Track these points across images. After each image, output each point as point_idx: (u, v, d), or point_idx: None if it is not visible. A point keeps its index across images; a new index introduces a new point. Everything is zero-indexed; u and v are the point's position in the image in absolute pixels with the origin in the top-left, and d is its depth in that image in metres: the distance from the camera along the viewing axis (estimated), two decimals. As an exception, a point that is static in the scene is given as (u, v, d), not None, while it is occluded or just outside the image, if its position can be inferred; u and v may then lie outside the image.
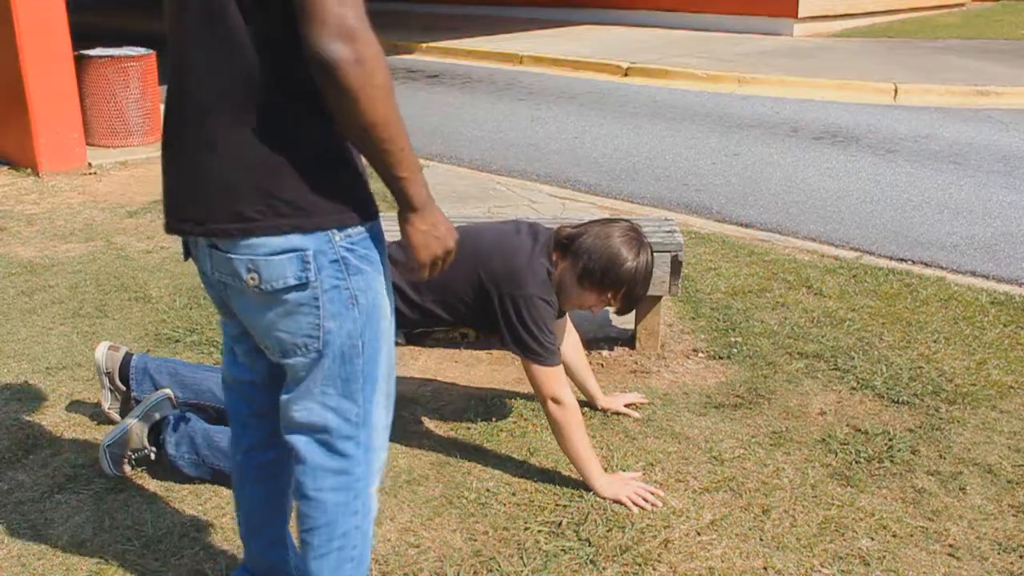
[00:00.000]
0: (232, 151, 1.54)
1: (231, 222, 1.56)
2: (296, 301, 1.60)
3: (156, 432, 2.65)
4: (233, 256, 1.58)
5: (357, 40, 1.40)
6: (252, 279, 1.58)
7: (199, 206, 1.58)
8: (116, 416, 2.89)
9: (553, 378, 2.54)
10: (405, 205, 1.57)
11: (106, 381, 2.89)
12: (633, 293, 2.60)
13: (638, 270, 2.57)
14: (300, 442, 1.73)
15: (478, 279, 2.56)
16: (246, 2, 1.49)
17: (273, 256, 1.56)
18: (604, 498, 2.53)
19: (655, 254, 3.33)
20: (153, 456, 2.64)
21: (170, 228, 1.66)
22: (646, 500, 2.51)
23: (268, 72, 1.51)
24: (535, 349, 2.52)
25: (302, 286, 1.58)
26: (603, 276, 2.56)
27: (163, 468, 2.64)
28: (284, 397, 1.73)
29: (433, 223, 1.60)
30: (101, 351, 2.90)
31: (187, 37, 1.56)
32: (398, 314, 2.59)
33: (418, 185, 1.55)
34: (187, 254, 1.74)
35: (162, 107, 7.40)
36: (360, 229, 1.61)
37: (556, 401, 2.53)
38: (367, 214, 1.62)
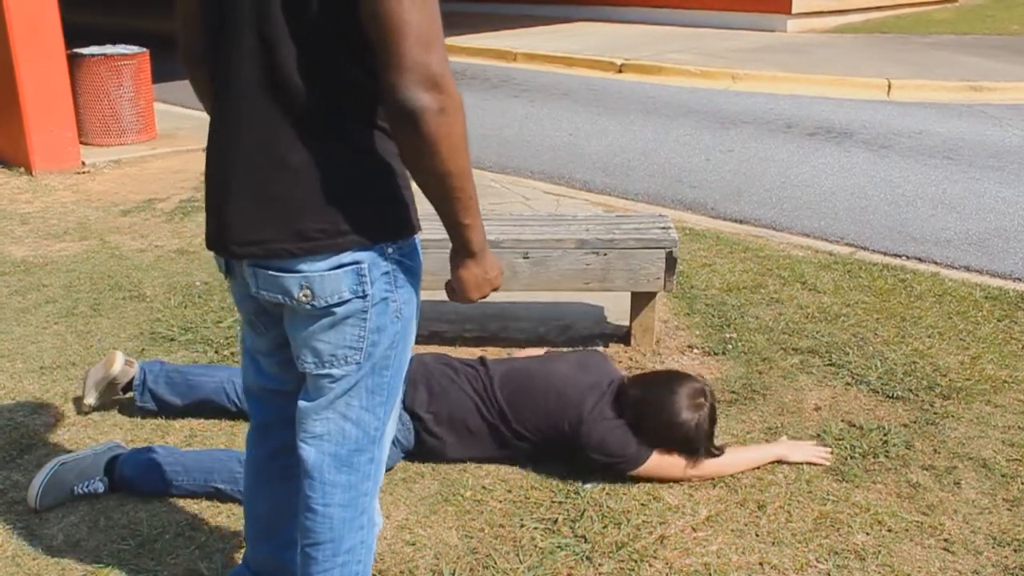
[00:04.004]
0: (302, 169, 1.51)
1: (293, 242, 1.53)
2: (345, 313, 1.58)
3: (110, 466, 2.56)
4: (286, 275, 1.55)
5: (442, 89, 1.39)
6: (305, 295, 1.56)
7: (260, 226, 1.55)
8: (93, 406, 2.90)
9: (657, 469, 2.59)
10: (464, 250, 1.58)
11: (108, 389, 2.89)
12: (690, 447, 2.60)
13: (695, 432, 2.57)
14: (311, 455, 1.71)
15: (546, 430, 2.62)
16: (310, 26, 1.46)
17: (329, 272, 1.54)
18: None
19: (650, 250, 3.35)
20: (103, 489, 2.54)
21: (226, 251, 1.61)
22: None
23: (333, 94, 1.49)
24: (620, 462, 2.58)
25: (355, 299, 1.57)
26: (662, 436, 2.59)
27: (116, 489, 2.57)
28: (304, 405, 1.70)
29: (487, 267, 1.62)
30: (119, 365, 2.88)
31: (241, 54, 1.52)
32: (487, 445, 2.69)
33: (479, 231, 1.56)
34: (228, 271, 1.69)
35: (156, 106, 7.39)
36: (410, 241, 1.61)
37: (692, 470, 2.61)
38: (415, 227, 1.62)
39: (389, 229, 1.57)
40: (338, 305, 1.57)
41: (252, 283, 1.62)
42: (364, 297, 1.57)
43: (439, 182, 1.46)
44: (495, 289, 1.66)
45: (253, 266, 1.59)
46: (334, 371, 1.63)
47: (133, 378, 2.91)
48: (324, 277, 1.54)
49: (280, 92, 1.50)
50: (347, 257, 1.54)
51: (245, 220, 1.56)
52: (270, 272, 1.57)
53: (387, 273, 1.58)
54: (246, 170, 1.55)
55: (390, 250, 1.58)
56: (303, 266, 1.54)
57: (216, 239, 1.62)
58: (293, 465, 1.86)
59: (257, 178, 1.54)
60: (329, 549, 1.75)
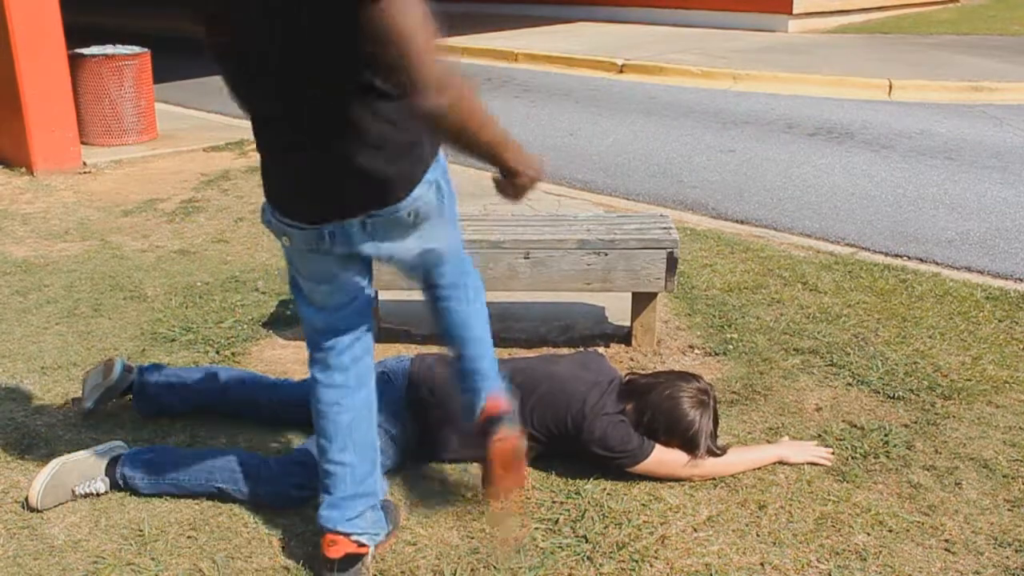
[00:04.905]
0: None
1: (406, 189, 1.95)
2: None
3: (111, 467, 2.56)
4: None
5: (451, 86, 1.64)
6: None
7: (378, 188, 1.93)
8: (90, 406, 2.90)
9: (658, 466, 2.58)
10: (513, 174, 1.91)
11: (106, 394, 2.89)
12: (691, 445, 2.61)
13: (699, 428, 2.58)
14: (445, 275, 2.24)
15: (550, 426, 2.62)
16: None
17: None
18: None
19: (651, 251, 3.35)
20: (104, 489, 2.54)
21: (353, 213, 1.95)
22: None
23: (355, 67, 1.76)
24: (622, 457, 2.57)
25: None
26: (665, 432, 2.59)
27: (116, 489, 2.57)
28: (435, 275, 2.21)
29: (532, 176, 1.95)
30: (117, 372, 2.88)
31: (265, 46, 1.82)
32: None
33: (522, 156, 1.89)
34: (328, 241, 2.01)
35: (157, 106, 7.39)
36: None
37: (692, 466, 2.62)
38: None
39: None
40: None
41: (357, 238, 1.99)
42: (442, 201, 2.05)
43: (479, 149, 1.80)
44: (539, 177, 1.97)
45: (362, 222, 1.98)
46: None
47: (132, 383, 2.91)
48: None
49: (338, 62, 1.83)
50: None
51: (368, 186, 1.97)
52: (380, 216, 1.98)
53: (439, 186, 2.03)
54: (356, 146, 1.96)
55: (436, 170, 2.01)
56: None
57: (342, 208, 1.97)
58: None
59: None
60: (475, 323, 2.28)
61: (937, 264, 4.55)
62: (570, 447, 2.62)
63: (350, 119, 1.82)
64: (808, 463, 2.72)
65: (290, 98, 1.85)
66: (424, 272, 2.22)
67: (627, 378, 2.74)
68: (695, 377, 2.67)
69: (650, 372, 2.79)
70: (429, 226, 2.04)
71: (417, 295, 2.35)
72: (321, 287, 2.17)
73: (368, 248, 2.03)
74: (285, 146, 1.94)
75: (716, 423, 2.64)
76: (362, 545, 2.19)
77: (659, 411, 2.58)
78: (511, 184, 1.95)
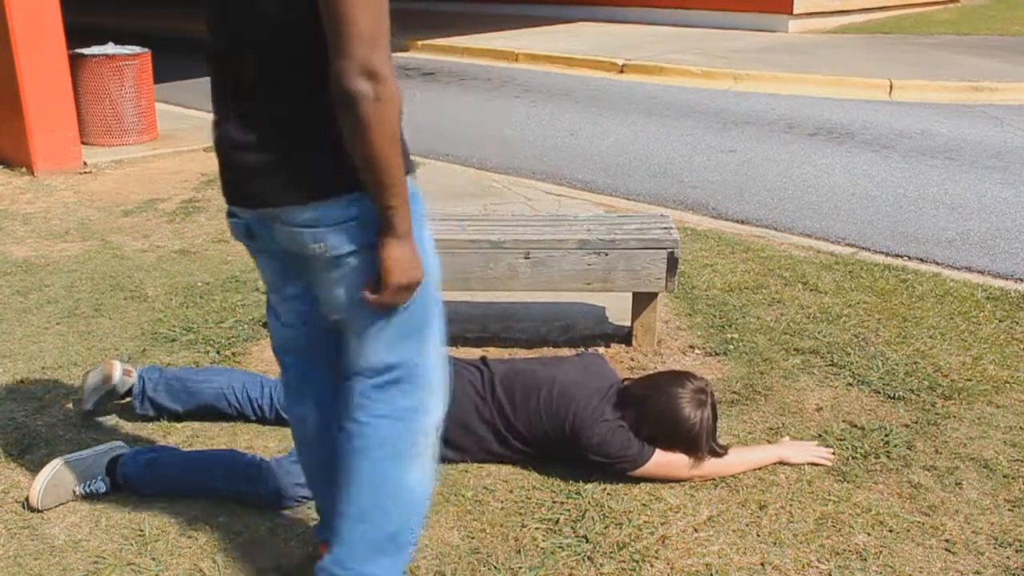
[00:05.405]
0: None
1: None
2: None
3: (112, 467, 2.56)
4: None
5: (380, 80, 1.57)
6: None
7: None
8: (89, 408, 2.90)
9: (658, 469, 2.58)
10: (388, 230, 1.69)
11: (106, 397, 2.89)
12: (693, 446, 2.60)
13: (700, 428, 2.58)
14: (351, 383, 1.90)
15: (548, 430, 2.62)
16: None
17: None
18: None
19: (652, 251, 3.35)
20: (104, 489, 2.54)
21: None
22: None
23: (306, 66, 1.66)
24: (622, 462, 2.57)
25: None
26: (666, 437, 2.59)
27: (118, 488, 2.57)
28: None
29: (407, 252, 1.72)
30: (117, 376, 2.87)
31: (230, 25, 1.72)
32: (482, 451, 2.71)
33: (404, 215, 1.69)
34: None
35: (158, 106, 7.39)
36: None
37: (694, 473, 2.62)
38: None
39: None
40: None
41: None
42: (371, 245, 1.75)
43: (368, 164, 1.62)
44: (415, 284, 1.74)
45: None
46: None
47: (132, 386, 2.91)
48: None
49: (269, 51, 1.70)
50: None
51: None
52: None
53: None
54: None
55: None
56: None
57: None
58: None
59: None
60: (375, 453, 1.87)
61: (938, 264, 4.54)
62: (568, 452, 2.62)
63: (276, 88, 1.69)
64: (809, 463, 2.72)
65: (227, 57, 1.74)
66: (348, 351, 1.87)
67: (624, 383, 2.74)
68: (691, 377, 2.66)
69: (646, 375, 2.78)
70: (352, 278, 1.77)
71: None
72: (273, 294, 2.00)
73: (292, 275, 1.87)
74: (218, 112, 1.80)
75: (715, 420, 2.64)
76: None
77: (659, 417, 2.57)
78: (383, 256, 1.70)
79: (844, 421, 2.98)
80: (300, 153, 1.70)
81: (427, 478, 1.96)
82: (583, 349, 3.46)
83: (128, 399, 2.94)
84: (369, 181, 1.65)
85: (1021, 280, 4.35)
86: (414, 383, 1.87)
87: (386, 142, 1.60)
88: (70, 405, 3.03)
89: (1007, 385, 3.22)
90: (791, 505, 2.53)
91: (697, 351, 3.50)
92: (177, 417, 2.93)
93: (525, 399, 2.63)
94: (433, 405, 1.92)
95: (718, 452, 2.63)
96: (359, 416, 1.86)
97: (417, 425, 1.89)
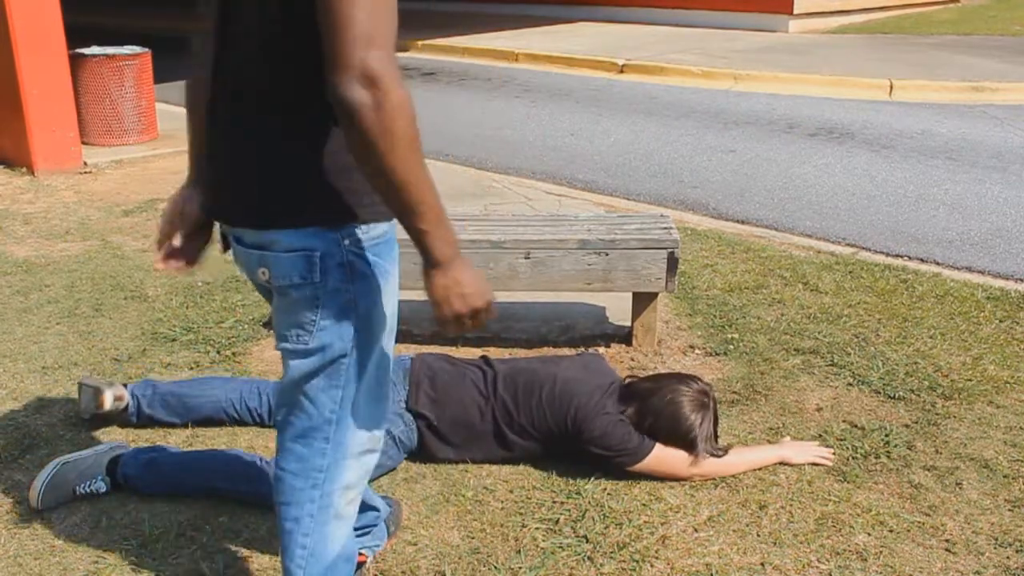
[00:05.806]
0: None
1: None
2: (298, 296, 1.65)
3: (112, 467, 2.55)
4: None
5: (379, 86, 1.36)
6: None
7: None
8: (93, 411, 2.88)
9: (658, 464, 2.59)
10: (426, 259, 1.50)
11: (99, 415, 2.87)
12: (693, 447, 2.61)
13: (700, 432, 2.60)
14: (278, 419, 1.77)
15: (551, 425, 2.63)
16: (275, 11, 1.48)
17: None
18: None
19: (652, 251, 3.35)
20: (104, 489, 2.54)
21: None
22: None
23: (295, 74, 1.50)
24: (622, 455, 2.58)
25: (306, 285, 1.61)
26: (667, 435, 2.60)
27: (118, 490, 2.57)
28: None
29: (456, 280, 1.50)
30: (109, 404, 2.82)
31: (227, 27, 1.57)
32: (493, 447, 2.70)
33: (440, 239, 1.48)
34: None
35: (158, 106, 7.39)
36: (372, 233, 1.59)
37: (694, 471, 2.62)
38: (357, 217, 1.57)
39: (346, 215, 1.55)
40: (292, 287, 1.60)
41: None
42: (315, 284, 1.58)
43: (383, 180, 1.42)
44: (477, 312, 1.54)
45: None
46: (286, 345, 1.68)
47: (127, 405, 2.88)
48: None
49: (255, 58, 1.55)
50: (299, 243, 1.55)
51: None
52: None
53: (342, 264, 1.57)
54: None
55: (347, 241, 1.56)
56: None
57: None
58: None
59: None
60: (283, 509, 1.78)
61: (938, 264, 4.54)
62: (570, 447, 2.62)
63: (270, 99, 1.53)
64: (809, 463, 2.72)
65: (226, 60, 1.59)
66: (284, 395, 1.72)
67: (627, 381, 2.74)
68: (694, 379, 2.67)
69: (649, 375, 2.79)
70: (292, 315, 1.62)
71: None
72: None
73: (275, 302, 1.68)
74: (209, 114, 1.65)
75: (716, 423, 2.64)
76: (361, 554, 2.19)
77: (660, 415, 2.58)
78: (429, 289, 1.52)
79: (844, 421, 2.98)
80: (278, 176, 1.53)
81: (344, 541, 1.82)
82: (583, 349, 3.46)
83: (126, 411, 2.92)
84: (392, 208, 1.46)
85: (1021, 280, 4.35)
86: (329, 441, 1.69)
87: (397, 156, 1.39)
88: (71, 405, 3.03)
89: (1007, 385, 3.22)
90: (791, 505, 2.53)
91: (697, 351, 3.50)
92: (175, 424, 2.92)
93: (528, 396, 2.63)
94: (346, 472, 1.73)
95: (717, 454, 2.63)
96: (278, 461, 1.76)
97: (328, 487, 1.73)
